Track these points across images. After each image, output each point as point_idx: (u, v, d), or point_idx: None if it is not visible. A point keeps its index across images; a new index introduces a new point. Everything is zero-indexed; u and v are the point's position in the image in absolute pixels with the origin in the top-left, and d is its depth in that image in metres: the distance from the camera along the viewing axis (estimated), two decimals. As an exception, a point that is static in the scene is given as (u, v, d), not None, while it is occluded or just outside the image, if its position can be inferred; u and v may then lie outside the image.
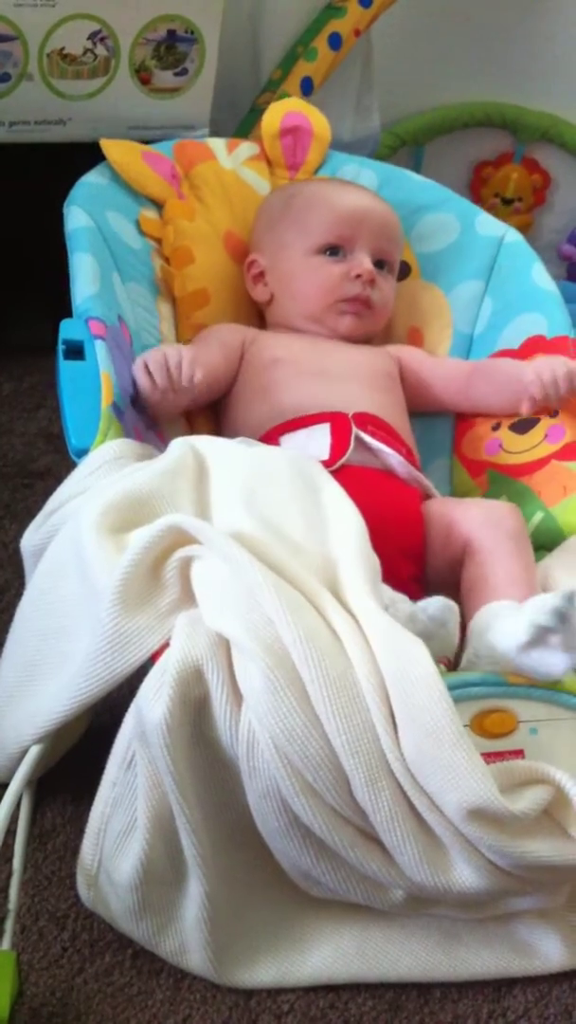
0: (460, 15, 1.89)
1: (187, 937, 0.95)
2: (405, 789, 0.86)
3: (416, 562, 1.13)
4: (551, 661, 0.93)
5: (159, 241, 1.37)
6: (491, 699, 0.93)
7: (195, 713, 0.89)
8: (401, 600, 0.98)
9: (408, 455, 1.21)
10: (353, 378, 1.27)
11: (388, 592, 0.97)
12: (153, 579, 0.93)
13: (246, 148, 1.47)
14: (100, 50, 1.36)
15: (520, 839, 0.88)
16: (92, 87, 1.39)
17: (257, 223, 1.39)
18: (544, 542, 1.17)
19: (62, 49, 1.34)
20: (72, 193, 1.32)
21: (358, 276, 1.30)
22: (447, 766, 0.85)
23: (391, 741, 0.86)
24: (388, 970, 0.98)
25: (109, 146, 1.36)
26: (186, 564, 0.93)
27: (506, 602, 1.01)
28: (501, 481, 1.28)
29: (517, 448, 1.28)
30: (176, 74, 1.42)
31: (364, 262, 1.30)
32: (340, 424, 1.19)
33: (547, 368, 1.24)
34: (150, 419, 1.20)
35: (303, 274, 1.31)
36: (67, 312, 1.19)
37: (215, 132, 1.49)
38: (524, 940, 0.99)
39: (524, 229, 1.47)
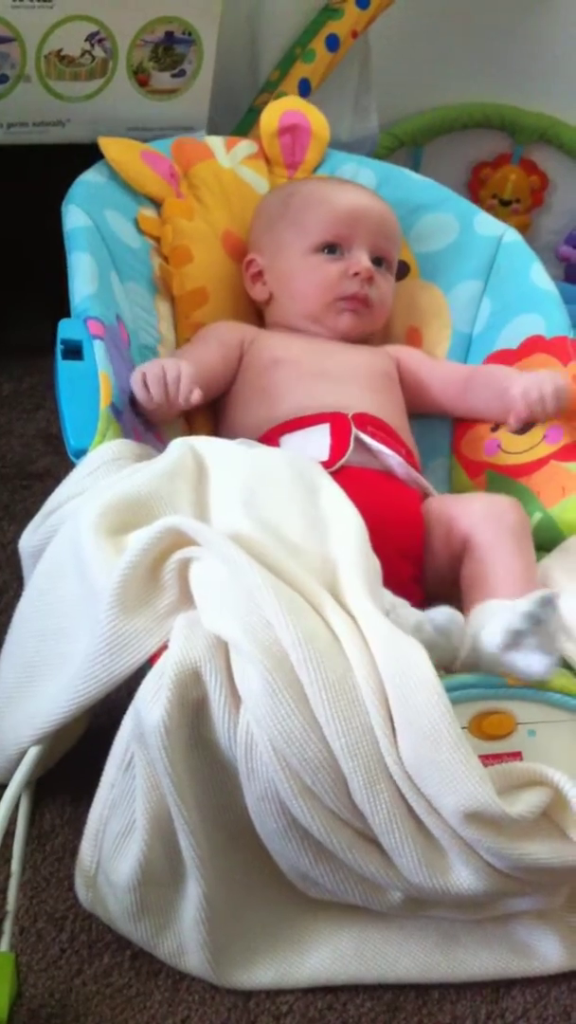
0: (458, 16, 1.89)
1: (185, 938, 0.95)
2: (403, 792, 0.87)
3: (416, 563, 1.13)
4: (530, 662, 0.94)
5: (158, 240, 1.37)
6: (490, 700, 0.93)
7: (193, 715, 0.88)
8: (401, 605, 0.98)
9: (408, 456, 1.21)
10: (352, 379, 1.27)
11: (389, 596, 0.96)
12: (151, 581, 0.92)
13: (245, 147, 1.47)
14: (98, 51, 1.36)
15: (518, 841, 0.88)
16: (90, 88, 1.39)
17: (255, 223, 1.40)
18: (543, 542, 1.17)
19: (60, 50, 1.34)
20: (70, 192, 1.32)
21: (356, 274, 1.30)
22: (445, 769, 0.85)
23: (390, 744, 0.86)
24: (386, 971, 0.98)
25: (108, 144, 1.36)
26: (185, 566, 0.93)
27: (502, 601, 1.01)
28: (500, 481, 1.28)
29: (516, 449, 1.28)
30: (174, 75, 1.42)
31: (362, 260, 1.30)
32: (340, 425, 1.19)
33: (534, 386, 1.22)
34: (148, 421, 1.20)
35: (301, 273, 1.32)
36: (66, 313, 1.19)
37: (213, 133, 1.49)
38: (522, 941, 0.99)
39: (522, 230, 1.47)
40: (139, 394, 1.14)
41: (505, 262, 1.42)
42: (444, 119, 1.98)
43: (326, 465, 1.10)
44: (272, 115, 1.47)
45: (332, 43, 1.62)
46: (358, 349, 1.32)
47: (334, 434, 1.18)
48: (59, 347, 1.14)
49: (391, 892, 0.92)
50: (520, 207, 2.07)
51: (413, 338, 1.43)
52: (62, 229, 1.28)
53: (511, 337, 1.36)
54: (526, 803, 0.88)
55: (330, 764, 0.85)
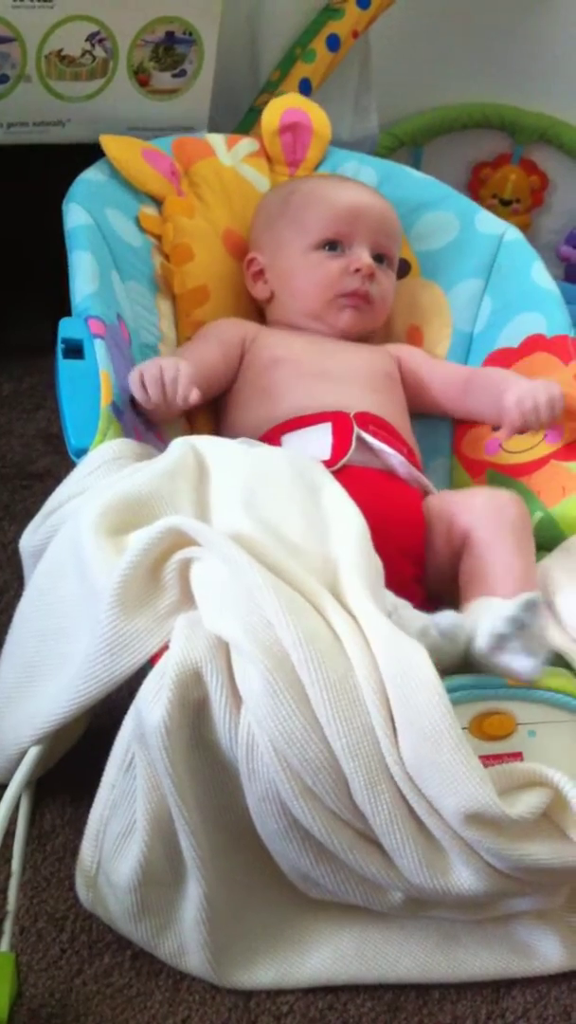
0: (458, 16, 1.89)
1: (186, 938, 0.95)
2: (404, 793, 0.86)
3: (417, 563, 1.13)
4: (514, 664, 0.94)
5: (159, 238, 1.37)
6: (490, 701, 0.93)
7: (194, 716, 0.88)
8: (403, 606, 0.97)
9: (409, 455, 1.21)
10: (354, 378, 1.27)
11: (391, 598, 0.96)
12: (152, 581, 0.92)
13: (246, 144, 1.47)
14: (98, 51, 1.36)
15: (519, 842, 0.88)
16: (90, 88, 1.39)
17: (256, 221, 1.40)
18: (544, 542, 1.17)
19: (60, 50, 1.34)
20: (71, 190, 1.32)
21: (357, 270, 1.29)
22: (446, 770, 0.85)
23: (391, 744, 0.86)
24: (387, 971, 0.98)
25: (108, 142, 1.36)
26: (185, 566, 0.93)
27: (496, 600, 1.01)
28: (500, 481, 1.28)
29: (517, 448, 1.28)
30: (174, 75, 1.42)
31: (363, 256, 1.30)
32: (342, 424, 1.18)
33: (528, 395, 1.20)
34: (149, 420, 1.20)
35: (302, 270, 1.31)
36: (67, 313, 1.19)
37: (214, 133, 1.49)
38: (523, 941, 0.99)
39: (522, 230, 1.46)
40: (137, 394, 1.14)
41: (506, 260, 1.42)
42: (444, 119, 1.98)
43: (328, 464, 1.10)
44: (273, 113, 1.47)
45: (333, 43, 1.62)
46: (359, 348, 1.32)
47: (336, 433, 1.18)
48: (60, 346, 1.14)
49: (392, 892, 0.92)
50: (520, 207, 2.07)
51: (414, 337, 1.43)
52: (62, 229, 1.28)
53: (512, 336, 1.36)
54: (526, 804, 0.88)
55: (331, 765, 0.85)
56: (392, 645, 0.88)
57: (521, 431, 1.22)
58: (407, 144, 1.97)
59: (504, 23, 1.92)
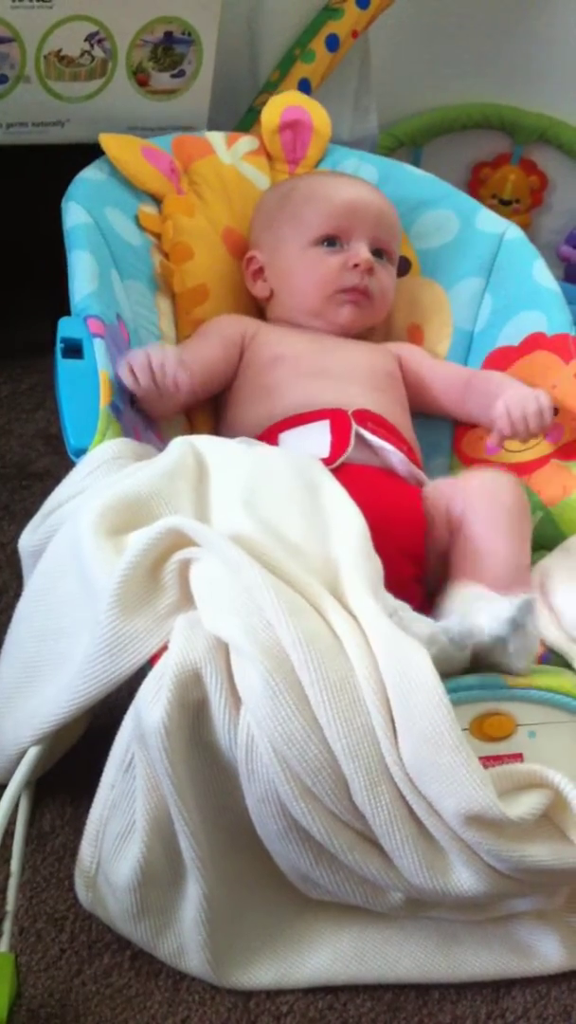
0: (458, 16, 1.89)
1: (186, 939, 0.95)
2: (404, 794, 0.86)
3: (417, 563, 1.13)
4: (512, 662, 0.94)
5: (158, 237, 1.37)
6: (490, 702, 0.93)
7: (193, 716, 0.88)
8: (403, 608, 0.97)
9: (409, 453, 1.21)
10: (355, 377, 1.26)
11: (391, 600, 0.96)
12: (152, 581, 0.92)
13: (246, 143, 1.47)
14: (97, 52, 1.36)
15: (519, 843, 0.88)
16: (90, 89, 1.39)
17: (255, 219, 1.40)
18: (544, 541, 1.17)
19: (59, 51, 1.34)
20: (70, 189, 1.32)
21: (355, 266, 1.29)
22: (446, 772, 0.85)
23: (391, 745, 0.86)
24: (387, 971, 0.98)
25: (108, 140, 1.36)
26: (185, 566, 0.93)
27: (478, 589, 1.00)
28: (500, 481, 1.28)
29: (517, 447, 1.28)
30: (173, 76, 1.42)
31: (361, 251, 1.30)
32: (340, 421, 1.18)
33: (517, 405, 1.20)
34: (149, 418, 1.19)
35: (301, 267, 1.31)
36: (66, 313, 1.19)
37: (213, 133, 1.49)
38: (523, 941, 0.99)
39: (522, 230, 1.47)
40: (127, 382, 1.14)
41: (507, 259, 1.41)
42: (444, 119, 1.98)
43: (327, 462, 1.10)
44: (274, 111, 1.47)
45: (332, 43, 1.62)
46: (360, 346, 1.32)
47: (334, 430, 1.17)
48: (59, 346, 1.14)
49: (392, 893, 0.92)
50: (520, 207, 2.07)
51: (414, 335, 1.43)
52: (62, 229, 1.28)
53: (512, 334, 1.36)
54: (527, 805, 0.88)
55: (331, 766, 0.85)
56: (392, 646, 0.88)
57: (511, 439, 1.22)
58: (407, 144, 1.97)
59: (504, 23, 1.92)
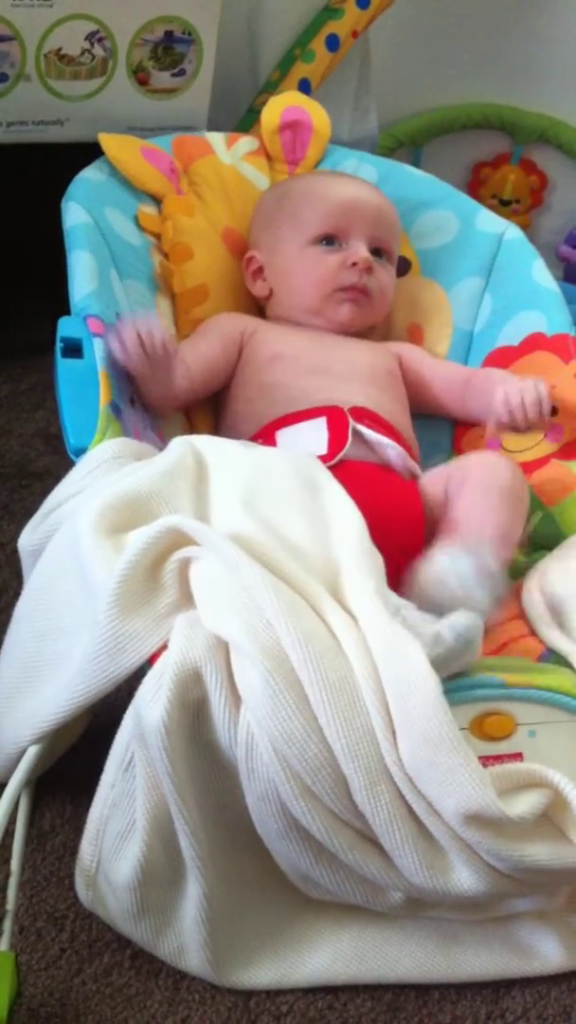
0: (457, 17, 1.89)
1: (186, 938, 0.95)
2: (404, 793, 0.86)
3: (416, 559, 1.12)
4: (473, 594, 0.98)
5: (158, 237, 1.37)
6: (490, 702, 0.93)
7: (193, 715, 0.88)
8: (406, 607, 0.97)
9: (407, 450, 1.21)
10: (354, 376, 1.27)
11: (394, 598, 0.95)
12: (151, 580, 0.92)
13: (245, 143, 1.47)
14: (98, 51, 1.36)
15: (519, 843, 0.87)
16: (90, 88, 1.39)
17: (254, 220, 1.40)
18: (544, 542, 1.17)
19: (60, 49, 1.34)
20: (70, 189, 1.32)
21: (354, 264, 1.29)
22: (445, 771, 0.85)
23: (390, 745, 0.86)
24: (387, 971, 0.98)
25: (107, 140, 1.36)
26: (185, 565, 0.93)
27: (450, 549, 1.02)
28: (500, 480, 1.28)
29: (517, 447, 1.28)
30: (174, 75, 1.43)
31: (360, 250, 1.30)
32: (336, 418, 1.18)
33: (516, 392, 1.20)
34: (148, 407, 1.19)
35: (300, 266, 1.31)
36: (66, 313, 1.19)
37: (213, 132, 1.49)
38: (523, 941, 0.99)
39: (521, 230, 1.47)
40: (118, 354, 1.14)
41: (507, 259, 1.42)
42: (444, 119, 1.98)
43: (324, 459, 1.10)
44: (273, 111, 1.47)
45: (332, 43, 1.62)
46: (360, 345, 1.32)
47: (331, 427, 1.17)
48: (59, 345, 1.14)
49: (392, 893, 0.92)
50: (520, 207, 2.07)
51: (414, 335, 1.43)
52: (62, 228, 1.28)
53: (512, 334, 1.36)
54: (526, 804, 0.88)
55: (331, 765, 0.85)
56: (391, 645, 0.88)
57: (509, 428, 1.22)
58: (406, 144, 1.97)
59: (504, 23, 1.92)
